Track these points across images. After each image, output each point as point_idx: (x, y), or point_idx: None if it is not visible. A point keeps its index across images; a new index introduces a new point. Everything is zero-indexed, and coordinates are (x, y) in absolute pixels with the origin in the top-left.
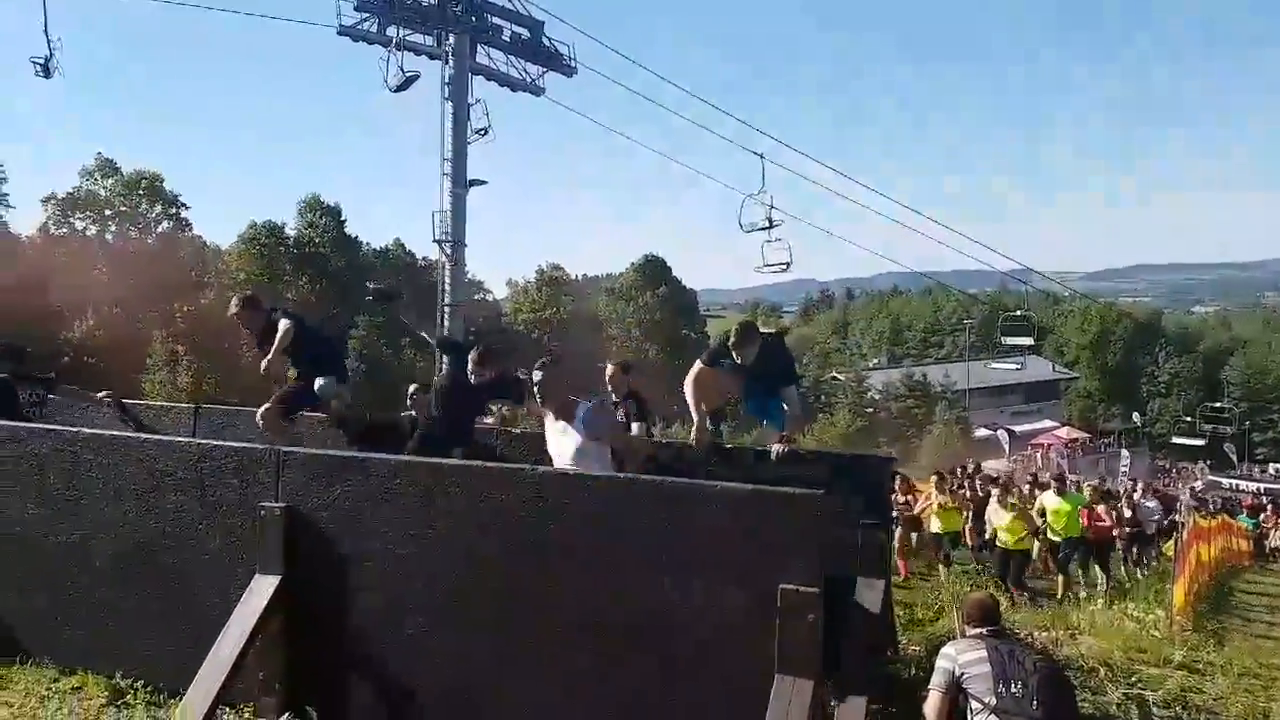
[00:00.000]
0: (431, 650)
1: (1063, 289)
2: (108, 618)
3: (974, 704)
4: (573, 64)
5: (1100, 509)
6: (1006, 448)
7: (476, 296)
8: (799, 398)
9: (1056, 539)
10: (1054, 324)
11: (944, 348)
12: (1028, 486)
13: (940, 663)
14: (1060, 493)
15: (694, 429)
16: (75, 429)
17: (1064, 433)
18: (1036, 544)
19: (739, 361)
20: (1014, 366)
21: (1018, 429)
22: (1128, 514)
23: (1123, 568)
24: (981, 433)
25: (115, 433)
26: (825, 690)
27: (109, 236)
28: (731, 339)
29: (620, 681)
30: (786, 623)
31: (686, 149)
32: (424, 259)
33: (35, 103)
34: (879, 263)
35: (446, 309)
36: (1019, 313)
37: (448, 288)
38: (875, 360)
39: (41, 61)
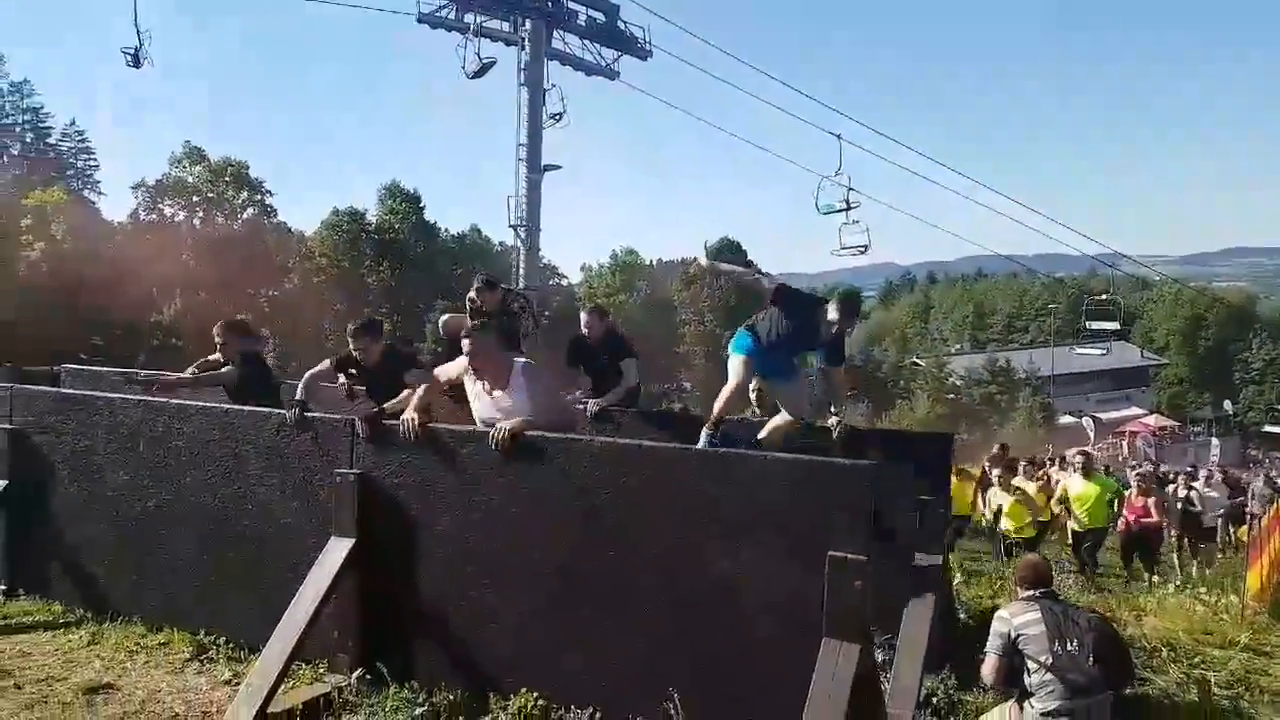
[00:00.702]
0: (495, 612)
1: (1153, 273)
2: (193, 578)
3: (1030, 664)
4: (648, 47)
5: (1148, 502)
6: (1091, 435)
7: (551, 281)
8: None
9: (1079, 528)
10: (1143, 309)
11: (1029, 333)
12: (1051, 468)
13: (996, 626)
14: (1087, 475)
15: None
16: (164, 399)
17: (1152, 420)
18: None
19: (836, 331)
20: (1099, 352)
21: (1104, 416)
22: (1180, 505)
23: (1176, 560)
24: (1066, 420)
25: (200, 403)
26: (872, 654)
27: (196, 222)
28: (835, 308)
29: (675, 644)
30: (834, 589)
31: (763, 131)
32: (500, 244)
33: (126, 91)
34: (962, 246)
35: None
36: (1105, 297)
37: (522, 273)
38: (957, 346)
39: (131, 52)
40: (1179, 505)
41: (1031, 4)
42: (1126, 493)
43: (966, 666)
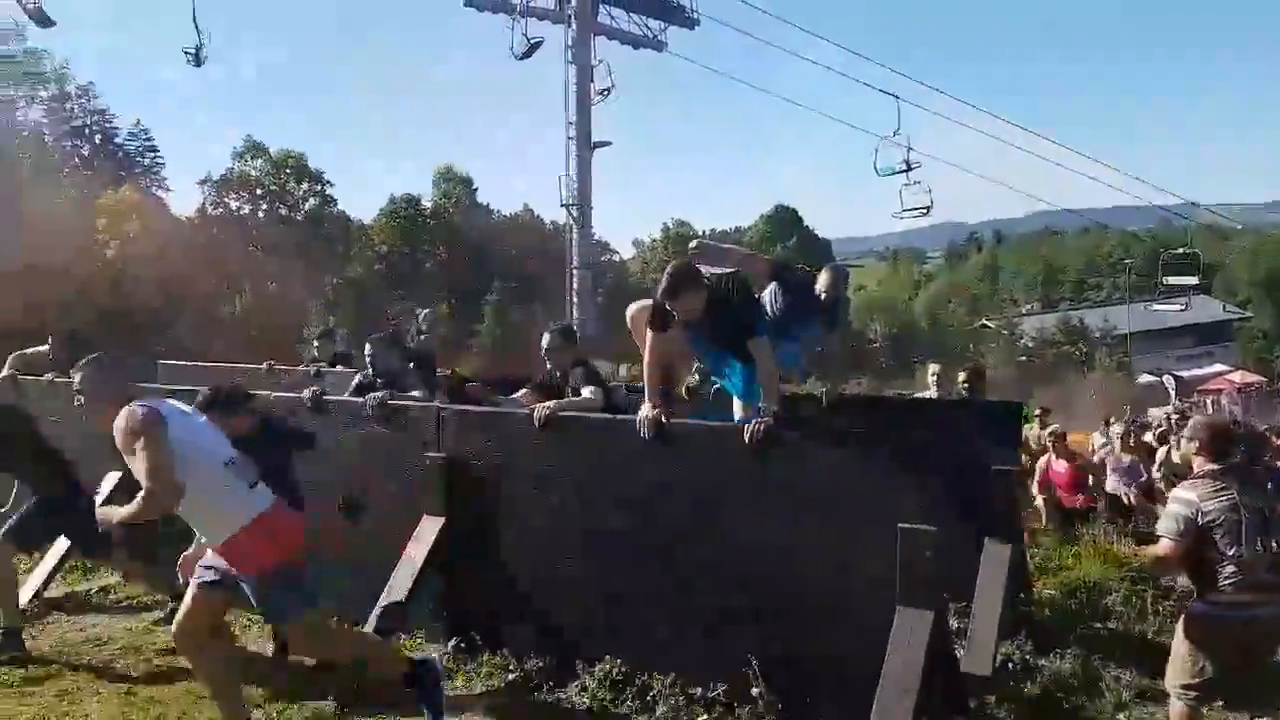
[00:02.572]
0: (579, 584)
1: (1231, 222)
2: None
3: (1214, 554)
4: (695, 15)
5: None
6: (1172, 394)
7: (603, 258)
8: (770, 349)
9: None
10: (1224, 260)
11: (1102, 290)
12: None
13: (1174, 508)
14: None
15: (643, 406)
16: (267, 392)
17: (1237, 377)
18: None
19: (677, 318)
20: (1178, 308)
21: (1185, 374)
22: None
23: None
24: (1145, 379)
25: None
26: (946, 622)
27: (260, 215)
28: (661, 288)
29: (754, 614)
30: (906, 559)
31: (817, 94)
32: (551, 223)
33: (185, 88)
34: (1029, 202)
35: (575, 272)
36: (1182, 250)
37: (575, 251)
38: (1028, 306)
39: (192, 51)
40: None
41: None
42: None
43: (1043, 633)
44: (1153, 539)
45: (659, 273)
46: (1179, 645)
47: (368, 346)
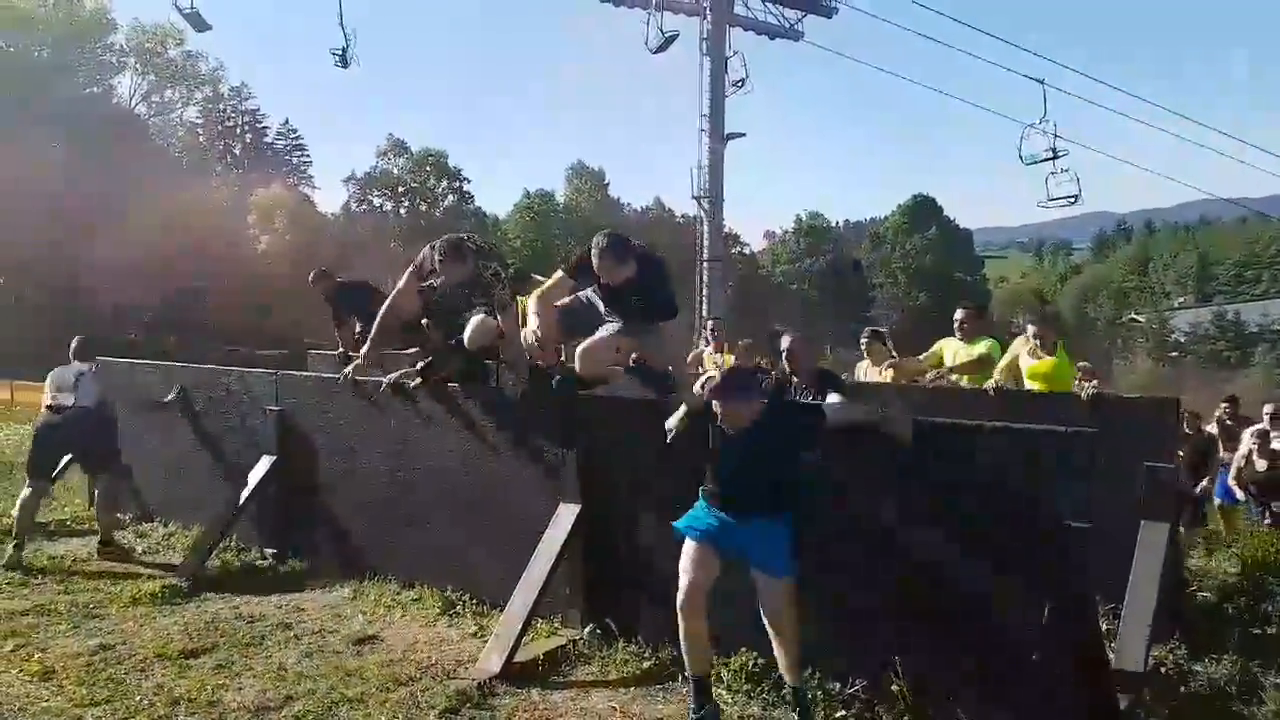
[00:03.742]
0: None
1: None
2: (440, 540)
3: None
4: (832, 4)
5: None
6: None
7: (734, 250)
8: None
9: None
10: None
11: (1261, 283)
12: None
13: None
14: None
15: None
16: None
17: None
18: None
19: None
20: None
21: None
22: None
23: None
24: None
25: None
26: (1096, 621)
27: (403, 211)
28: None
29: (896, 611)
30: (1056, 557)
31: (958, 81)
32: (683, 216)
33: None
34: (1182, 191)
35: (705, 264)
36: None
37: (706, 244)
38: (1180, 300)
39: (339, 52)
40: None
41: None
42: None
43: (1198, 636)
44: None
45: (789, 265)
46: None
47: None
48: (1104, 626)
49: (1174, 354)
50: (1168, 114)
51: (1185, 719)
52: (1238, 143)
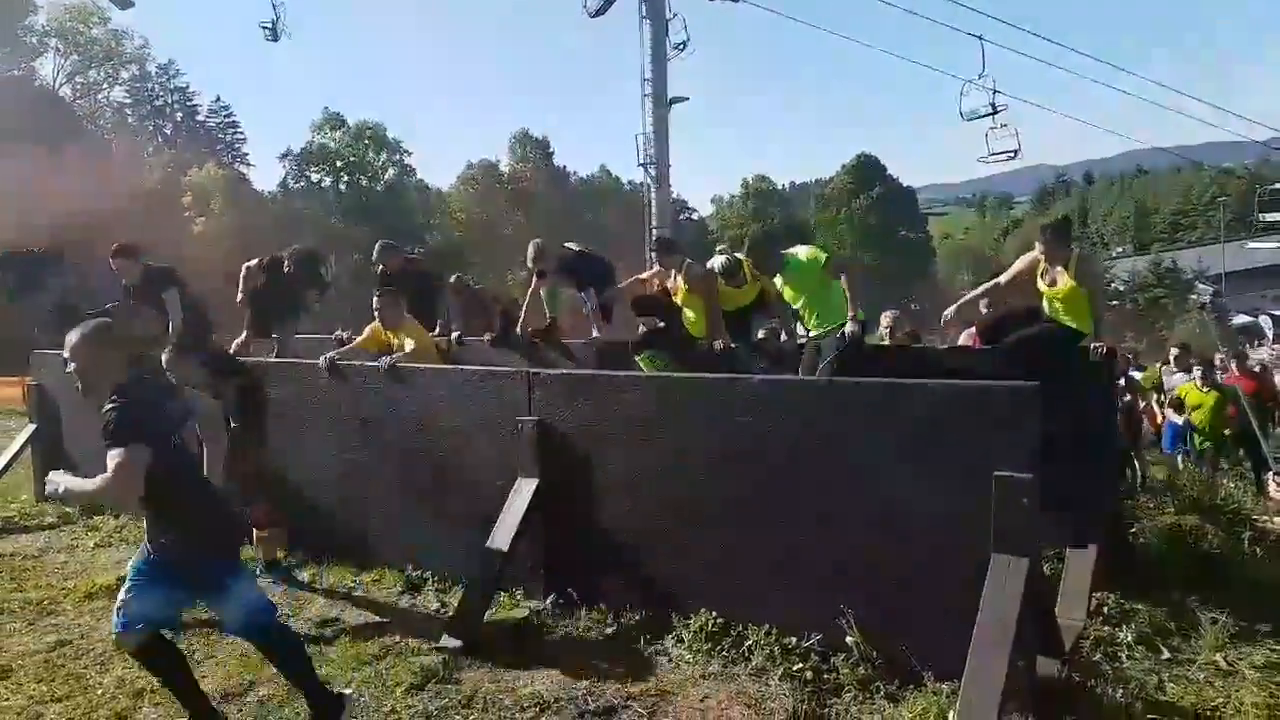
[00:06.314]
0: (668, 541)
1: None
2: (398, 521)
3: None
4: None
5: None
6: (1269, 334)
7: (682, 217)
8: None
9: None
10: None
11: (1196, 230)
12: None
13: None
14: None
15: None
16: (365, 364)
17: None
18: None
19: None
20: (1275, 245)
21: None
22: None
23: None
24: (1240, 319)
25: (402, 365)
26: (1040, 567)
27: (342, 187)
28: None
29: (848, 566)
30: (1001, 507)
31: (897, 38)
32: (629, 183)
33: (262, 63)
34: (1120, 142)
35: (654, 232)
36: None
37: (654, 211)
38: (1119, 249)
39: (269, 25)
40: None
41: None
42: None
43: (1142, 580)
44: None
45: (738, 229)
46: None
47: None
48: (1048, 570)
49: (1114, 302)
50: (1104, 65)
51: (1128, 658)
52: (1173, 92)
